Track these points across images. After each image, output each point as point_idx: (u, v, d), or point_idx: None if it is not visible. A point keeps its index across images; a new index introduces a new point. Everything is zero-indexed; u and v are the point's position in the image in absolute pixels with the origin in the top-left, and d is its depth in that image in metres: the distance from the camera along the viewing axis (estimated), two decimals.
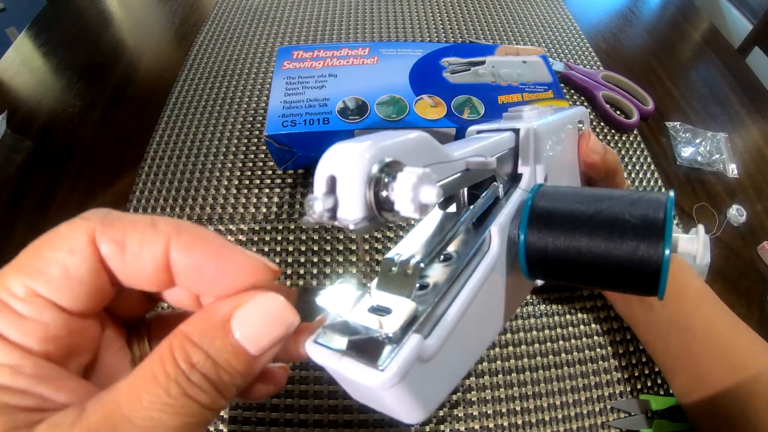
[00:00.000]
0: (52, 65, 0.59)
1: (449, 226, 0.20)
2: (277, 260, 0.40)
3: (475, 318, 0.18)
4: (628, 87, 0.55)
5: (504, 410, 0.34)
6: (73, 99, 0.54)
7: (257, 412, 0.33)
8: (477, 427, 0.33)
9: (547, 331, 0.37)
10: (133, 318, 0.15)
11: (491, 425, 0.33)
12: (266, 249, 0.41)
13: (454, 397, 0.34)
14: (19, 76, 0.58)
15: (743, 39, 1.12)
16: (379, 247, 0.41)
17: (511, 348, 0.36)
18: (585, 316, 0.38)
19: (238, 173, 0.45)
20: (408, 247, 0.18)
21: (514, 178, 0.23)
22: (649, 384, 0.36)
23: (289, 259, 0.40)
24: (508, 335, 0.37)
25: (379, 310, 0.15)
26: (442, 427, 0.33)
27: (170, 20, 0.64)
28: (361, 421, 0.33)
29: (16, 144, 0.49)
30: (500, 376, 0.35)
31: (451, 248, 0.19)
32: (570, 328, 0.38)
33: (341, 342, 0.14)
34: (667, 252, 0.17)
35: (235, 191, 0.44)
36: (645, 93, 0.54)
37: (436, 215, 0.21)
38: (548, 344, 0.37)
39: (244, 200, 0.43)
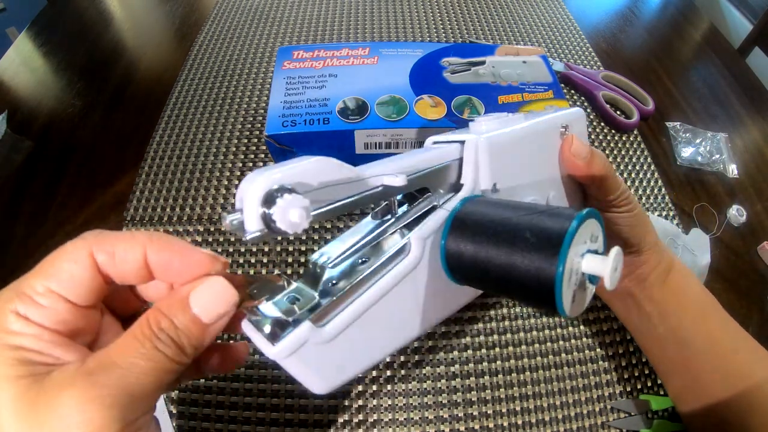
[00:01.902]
0: (52, 65, 0.59)
1: (373, 232, 0.22)
2: (277, 259, 0.40)
3: (386, 314, 0.21)
4: (628, 87, 0.55)
5: (504, 410, 0.34)
6: (73, 99, 0.54)
7: (245, 411, 0.33)
8: (477, 427, 0.33)
9: (546, 331, 0.37)
10: (128, 313, 0.20)
11: (491, 425, 0.33)
12: (266, 248, 0.41)
13: (454, 397, 0.34)
14: (19, 76, 0.58)
15: (743, 39, 1.12)
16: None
17: (511, 348, 0.36)
18: (585, 316, 0.38)
19: (238, 173, 0.45)
20: (332, 249, 0.21)
21: (457, 189, 0.24)
22: (648, 384, 0.36)
23: (290, 259, 0.40)
24: (508, 335, 0.37)
25: (294, 300, 0.19)
26: (442, 427, 0.33)
27: (170, 20, 0.64)
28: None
29: (16, 144, 0.49)
30: (500, 376, 0.35)
31: (374, 253, 0.21)
32: (570, 329, 0.38)
33: (264, 322, 0.18)
34: (560, 269, 0.17)
35: (234, 191, 0.44)
36: (645, 93, 0.54)
37: (369, 223, 0.23)
38: (548, 344, 0.37)
39: None
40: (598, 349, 0.37)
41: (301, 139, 0.39)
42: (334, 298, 0.19)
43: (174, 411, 0.33)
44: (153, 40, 0.62)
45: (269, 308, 0.18)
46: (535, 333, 0.37)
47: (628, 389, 0.36)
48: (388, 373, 0.35)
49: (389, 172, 0.20)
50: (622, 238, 0.30)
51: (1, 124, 0.50)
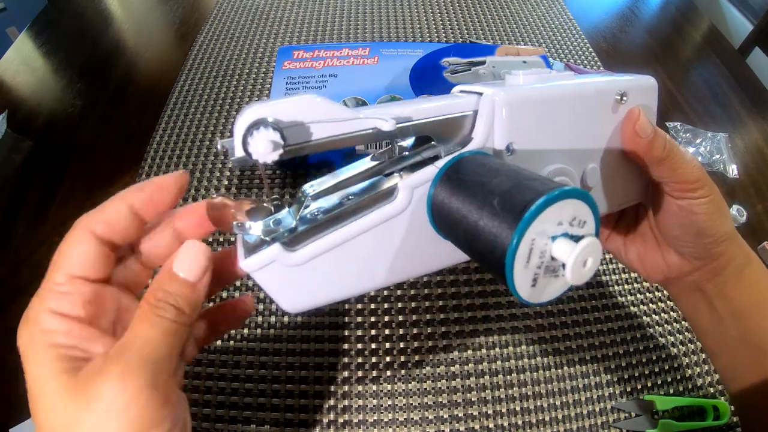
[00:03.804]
0: (53, 65, 0.59)
1: (365, 172, 0.22)
2: None
3: (360, 254, 0.21)
4: None
5: (504, 410, 0.34)
6: (73, 99, 0.54)
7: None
8: (477, 427, 0.33)
9: (546, 331, 0.37)
10: (143, 289, 0.21)
11: (491, 425, 0.33)
12: None
13: (454, 397, 0.34)
14: (19, 76, 0.58)
15: (743, 39, 1.12)
16: None
17: (511, 348, 0.36)
18: (586, 316, 0.38)
19: (238, 173, 0.45)
20: (322, 182, 0.21)
21: (467, 143, 0.22)
22: (649, 384, 0.36)
23: None
24: (508, 336, 0.37)
25: (278, 223, 0.20)
26: (442, 427, 0.33)
27: (170, 20, 0.64)
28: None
29: (16, 144, 0.49)
30: (500, 376, 0.35)
31: (364, 193, 0.22)
32: (570, 329, 0.38)
33: (249, 238, 0.20)
34: (513, 242, 0.16)
35: (235, 191, 0.44)
36: None
37: (366, 162, 0.22)
38: (548, 344, 0.37)
39: None
40: (599, 350, 0.37)
41: None
42: (310, 226, 0.20)
43: None
44: (153, 40, 0.62)
45: (257, 227, 0.20)
46: (535, 333, 0.37)
47: (628, 389, 0.35)
48: (389, 373, 0.35)
49: (384, 117, 0.20)
50: (698, 227, 0.26)
51: (1, 124, 0.50)
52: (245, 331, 0.36)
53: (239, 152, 0.18)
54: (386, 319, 0.37)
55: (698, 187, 0.26)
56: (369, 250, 0.21)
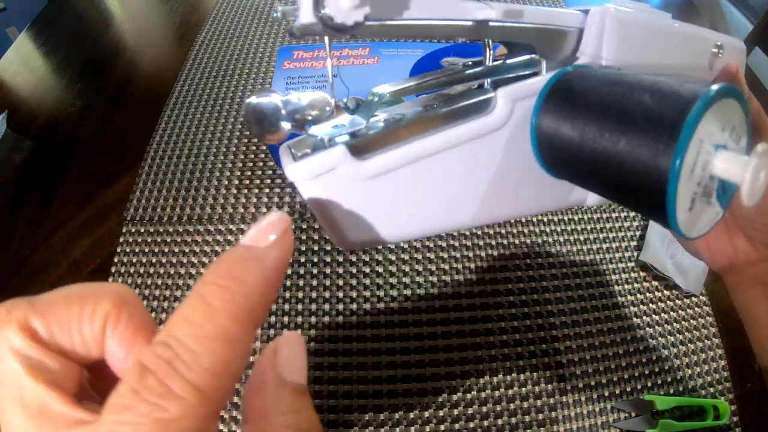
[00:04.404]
0: (53, 65, 0.59)
1: (454, 75, 0.18)
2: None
3: (445, 177, 0.17)
4: None
5: (504, 410, 0.34)
6: (73, 99, 0.54)
7: None
8: (477, 427, 0.33)
9: (546, 332, 0.37)
10: None
11: (491, 425, 0.33)
12: None
13: (454, 397, 0.34)
14: (19, 76, 0.58)
15: (743, 39, 1.12)
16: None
17: (510, 348, 0.36)
18: (586, 316, 0.38)
19: (238, 173, 0.45)
20: (396, 84, 0.17)
21: (570, 62, 0.19)
22: (649, 384, 0.36)
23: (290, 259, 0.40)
24: (508, 335, 0.37)
25: (339, 126, 0.15)
26: (442, 428, 0.33)
27: (170, 20, 0.64)
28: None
29: (16, 144, 0.49)
30: (500, 376, 0.35)
31: (451, 102, 0.18)
32: (569, 328, 0.37)
33: (302, 144, 0.15)
34: (677, 162, 0.12)
35: (235, 191, 0.44)
36: None
37: (454, 69, 0.19)
38: (548, 344, 0.37)
39: (244, 200, 0.43)
40: (599, 349, 0.37)
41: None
42: (386, 130, 0.16)
43: None
44: (153, 40, 0.62)
45: (315, 130, 0.15)
46: (534, 333, 0.37)
47: (628, 389, 0.35)
48: (389, 373, 0.35)
49: (490, 4, 0.16)
50: None
51: (1, 124, 0.50)
52: None
53: (306, 16, 0.14)
54: (386, 319, 0.37)
55: None
56: (455, 172, 0.17)
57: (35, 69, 0.59)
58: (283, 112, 0.15)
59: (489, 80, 0.18)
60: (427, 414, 0.33)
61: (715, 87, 0.13)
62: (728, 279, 0.29)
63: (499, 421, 0.33)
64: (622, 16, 0.19)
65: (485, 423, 0.33)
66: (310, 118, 0.15)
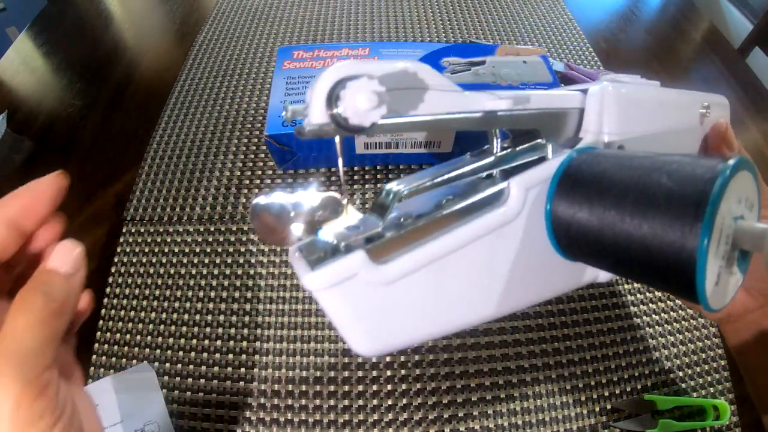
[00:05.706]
0: (52, 65, 0.59)
1: (464, 167, 0.18)
2: (277, 260, 0.40)
3: (464, 273, 0.16)
4: None
5: (504, 410, 0.34)
6: (73, 99, 0.54)
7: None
8: (477, 427, 0.33)
9: (546, 331, 0.37)
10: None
11: (491, 425, 0.33)
12: (266, 249, 0.41)
13: (455, 397, 0.34)
14: (19, 76, 0.58)
15: (743, 39, 1.12)
16: None
17: (511, 348, 0.36)
18: (586, 316, 0.38)
19: (238, 173, 0.45)
20: (411, 179, 0.17)
21: (574, 143, 0.20)
22: (649, 384, 0.36)
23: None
24: (507, 335, 0.37)
25: (352, 228, 0.15)
26: (443, 428, 0.33)
27: (170, 20, 0.64)
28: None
29: (16, 144, 0.49)
30: (501, 375, 0.35)
31: (463, 195, 0.18)
32: (569, 328, 0.37)
33: (316, 248, 0.15)
34: (705, 241, 0.12)
35: (235, 191, 0.44)
36: None
37: (463, 159, 0.19)
38: (548, 344, 0.37)
39: (244, 200, 0.43)
40: (599, 349, 0.37)
41: (302, 140, 0.39)
42: (403, 231, 0.15)
43: (174, 411, 0.33)
44: (153, 40, 0.62)
45: (328, 231, 0.15)
46: (534, 333, 0.37)
47: (628, 389, 0.35)
48: (389, 373, 0.35)
49: (500, 95, 0.17)
50: None
51: (1, 124, 0.50)
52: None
53: (318, 116, 0.13)
54: None
55: None
56: (474, 266, 0.17)
57: (35, 69, 0.59)
58: (292, 214, 0.15)
59: (497, 170, 0.19)
60: (428, 414, 0.33)
61: (730, 163, 0.13)
62: (726, 328, 0.30)
63: (500, 421, 0.33)
64: (619, 92, 0.20)
65: (486, 423, 0.33)
66: (319, 218, 0.15)
